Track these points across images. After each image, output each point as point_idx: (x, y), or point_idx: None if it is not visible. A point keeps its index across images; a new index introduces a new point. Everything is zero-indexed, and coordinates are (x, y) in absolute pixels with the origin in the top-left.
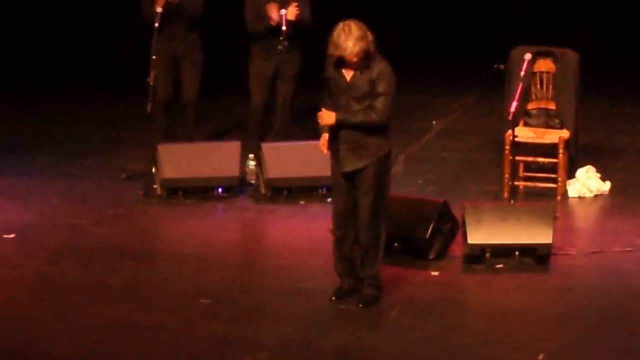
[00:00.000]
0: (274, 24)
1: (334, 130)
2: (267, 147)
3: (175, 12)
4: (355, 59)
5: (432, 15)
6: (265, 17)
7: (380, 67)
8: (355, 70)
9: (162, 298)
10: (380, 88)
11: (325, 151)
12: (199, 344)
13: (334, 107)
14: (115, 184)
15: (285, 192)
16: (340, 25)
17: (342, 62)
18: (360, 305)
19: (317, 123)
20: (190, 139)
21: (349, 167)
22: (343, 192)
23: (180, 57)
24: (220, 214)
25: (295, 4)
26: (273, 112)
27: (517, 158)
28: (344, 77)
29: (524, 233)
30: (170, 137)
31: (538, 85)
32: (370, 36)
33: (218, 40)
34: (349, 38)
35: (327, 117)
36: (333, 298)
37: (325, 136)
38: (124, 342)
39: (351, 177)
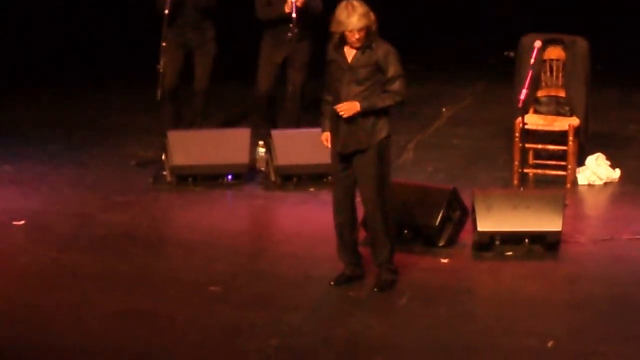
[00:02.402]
0: (289, 10)
1: (336, 112)
2: (277, 134)
3: (188, 1)
4: (357, 36)
5: (443, 2)
6: (275, 3)
7: (385, 47)
8: (357, 49)
9: (172, 285)
10: (392, 71)
11: (329, 146)
12: (209, 331)
13: (335, 92)
14: (125, 171)
15: (294, 179)
16: (344, 3)
17: (343, 41)
18: (376, 290)
19: (322, 121)
20: (192, 125)
21: (346, 149)
22: (341, 178)
23: (193, 47)
24: (230, 201)
25: None
26: (283, 100)
27: (527, 145)
28: (345, 57)
29: (534, 220)
30: (177, 125)
31: (548, 73)
32: (372, 15)
33: (229, 28)
34: (353, 14)
35: (350, 107)
36: (332, 283)
37: (326, 134)
38: (133, 329)
39: (349, 162)
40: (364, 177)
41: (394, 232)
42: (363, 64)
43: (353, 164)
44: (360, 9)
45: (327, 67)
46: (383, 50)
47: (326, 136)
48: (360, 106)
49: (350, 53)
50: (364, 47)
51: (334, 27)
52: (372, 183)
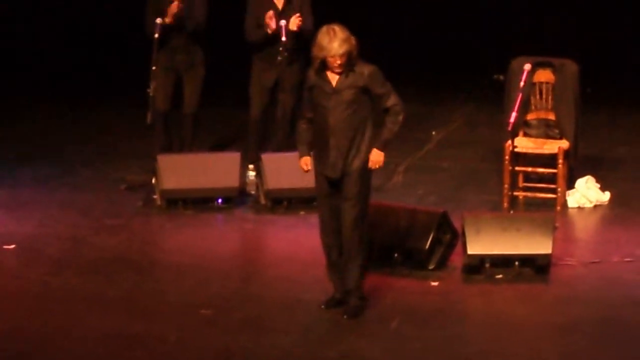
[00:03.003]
0: (270, 32)
1: (323, 137)
2: (267, 157)
3: (177, 25)
4: (339, 61)
5: (432, 25)
6: (264, 25)
7: (369, 68)
8: (339, 74)
9: (163, 308)
10: (383, 88)
11: (307, 170)
12: (200, 354)
13: (322, 118)
14: (115, 194)
15: (285, 202)
16: (324, 28)
17: (325, 66)
18: (345, 317)
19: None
20: (182, 149)
21: (337, 174)
22: (327, 201)
23: (182, 71)
24: (220, 225)
25: (298, 14)
26: (274, 123)
27: (517, 168)
28: (329, 82)
29: (524, 243)
30: (168, 148)
31: (537, 96)
32: (353, 39)
33: (218, 50)
34: (335, 39)
35: (378, 157)
36: (323, 306)
37: (306, 159)
38: (124, 352)
39: (334, 185)
40: (348, 198)
41: (366, 257)
42: (348, 86)
43: (338, 186)
44: (341, 34)
45: (308, 93)
46: (368, 71)
47: (305, 160)
48: (383, 151)
49: (333, 77)
50: (347, 70)
51: (316, 52)
52: (355, 204)
